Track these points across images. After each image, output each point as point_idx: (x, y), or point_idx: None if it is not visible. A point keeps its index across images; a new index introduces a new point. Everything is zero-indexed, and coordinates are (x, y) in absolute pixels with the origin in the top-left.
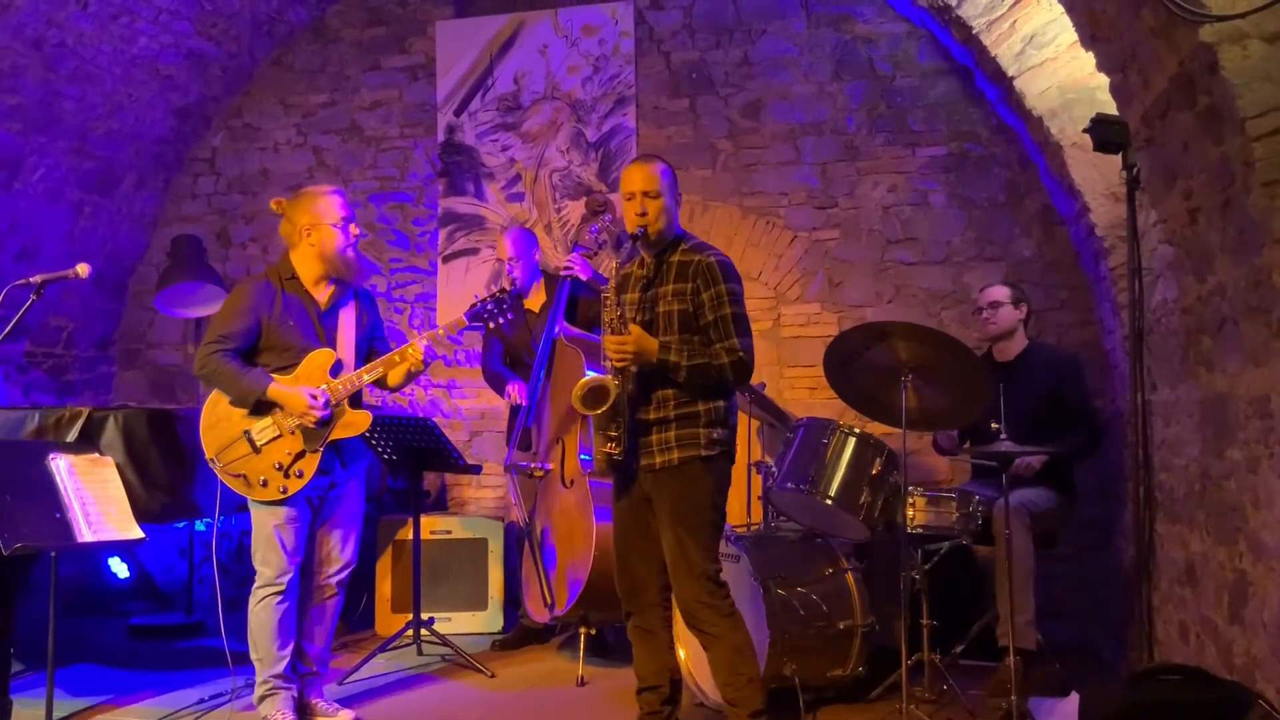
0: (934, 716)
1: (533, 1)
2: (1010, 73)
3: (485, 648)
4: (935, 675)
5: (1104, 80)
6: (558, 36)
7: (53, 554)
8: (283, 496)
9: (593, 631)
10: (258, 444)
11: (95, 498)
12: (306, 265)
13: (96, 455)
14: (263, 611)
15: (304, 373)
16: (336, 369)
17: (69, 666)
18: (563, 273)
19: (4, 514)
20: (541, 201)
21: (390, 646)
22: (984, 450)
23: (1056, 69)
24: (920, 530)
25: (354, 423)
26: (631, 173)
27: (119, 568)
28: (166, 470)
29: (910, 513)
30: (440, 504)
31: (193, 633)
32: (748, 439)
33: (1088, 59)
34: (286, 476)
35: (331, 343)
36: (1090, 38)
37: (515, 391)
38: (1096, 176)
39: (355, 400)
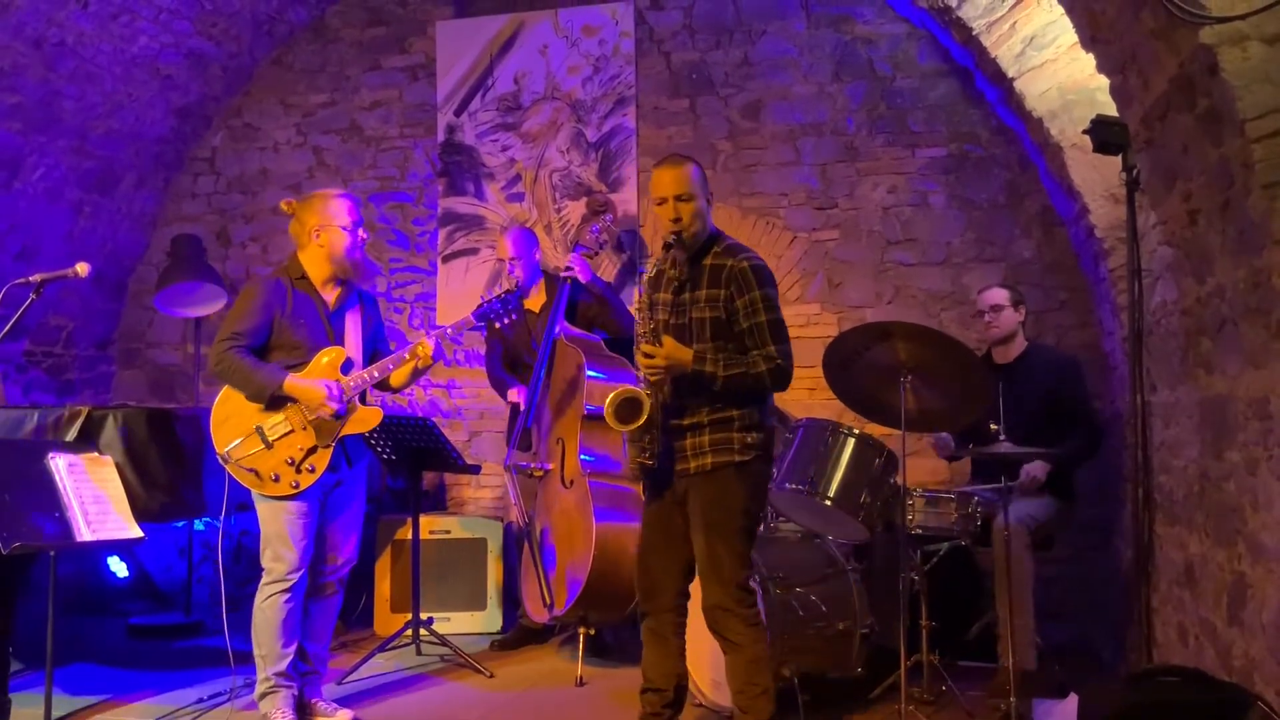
0: (933, 717)
1: (533, 2)
2: (1010, 74)
3: (484, 648)
4: (934, 676)
5: (1104, 82)
6: (558, 37)
7: (52, 553)
8: (294, 491)
9: (592, 632)
10: (270, 439)
11: (94, 497)
12: (315, 266)
13: (96, 454)
14: (270, 608)
15: (315, 370)
16: (347, 367)
17: (68, 665)
18: (563, 273)
19: (3, 513)
20: (541, 202)
21: (389, 646)
22: (985, 451)
23: (1056, 70)
24: (920, 531)
25: (365, 418)
26: (661, 176)
27: (118, 567)
28: (166, 470)
29: (909, 514)
30: (439, 504)
31: (191, 632)
32: None
33: (1088, 60)
34: (298, 472)
35: (340, 342)
36: (1090, 39)
37: (516, 394)
38: (1096, 178)
39: (362, 398)
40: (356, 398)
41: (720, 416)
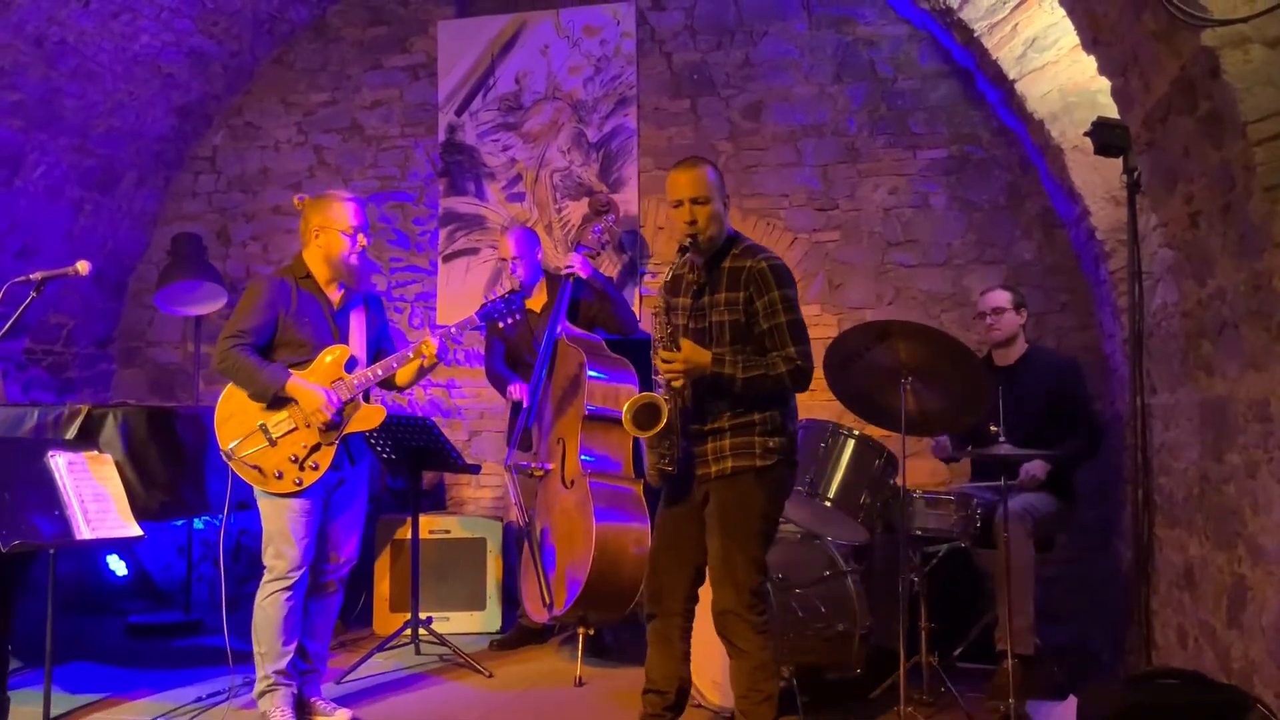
0: (932, 719)
1: (534, 2)
2: (1011, 76)
3: (483, 647)
4: (934, 678)
5: (1105, 84)
6: (559, 37)
7: (51, 551)
8: (297, 489)
9: (591, 632)
10: (273, 436)
11: (94, 495)
12: (316, 265)
13: (96, 453)
14: (271, 607)
15: (319, 368)
16: (351, 365)
17: (67, 664)
18: (564, 273)
19: (3, 511)
20: (542, 202)
21: (388, 646)
22: (985, 452)
23: (1058, 72)
24: (919, 532)
25: (369, 416)
26: (677, 178)
27: (117, 565)
28: (165, 468)
29: (909, 515)
30: (439, 503)
31: (190, 631)
32: None
33: (1089, 62)
34: (301, 469)
35: (344, 340)
36: (1092, 41)
37: (517, 389)
38: (1097, 180)
39: (365, 396)
40: (360, 395)
41: (741, 421)
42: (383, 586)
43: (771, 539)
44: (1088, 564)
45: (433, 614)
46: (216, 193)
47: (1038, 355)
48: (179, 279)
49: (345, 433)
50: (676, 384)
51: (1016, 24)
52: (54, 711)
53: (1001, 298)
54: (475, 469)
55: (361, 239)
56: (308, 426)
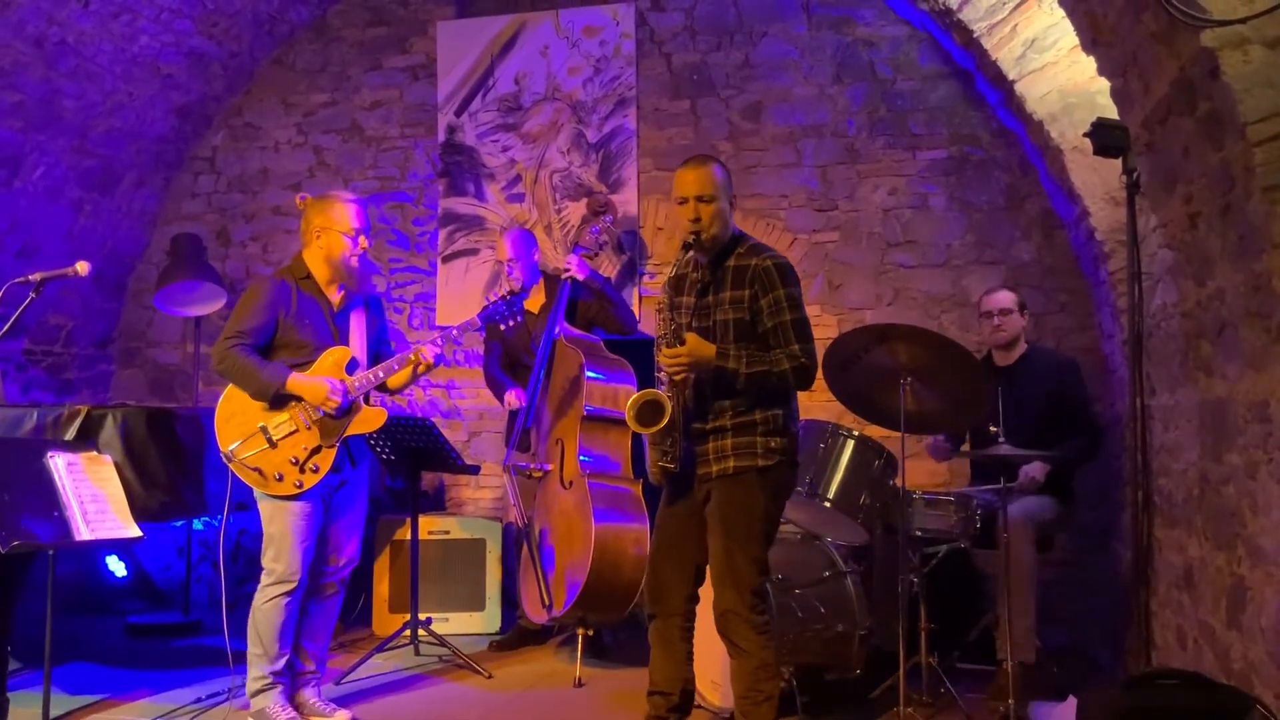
0: (932, 719)
1: (534, 2)
2: (1011, 76)
3: (483, 648)
4: (933, 679)
5: (1105, 85)
6: (559, 37)
7: (50, 552)
8: (298, 491)
9: (590, 632)
10: (274, 438)
11: (93, 496)
12: (317, 266)
13: (95, 453)
14: (271, 609)
15: (321, 370)
16: (352, 366)
17: (66, 665)
18: (562, 274)
19: (2, 512)
20: (542, 202)
21: (388, 647)
22: (985, 453)
23: (1057, 73)
24: (919, 533)
25: (370, 419)
26: (684, 176)
27: (116, 566)
28: (165, 469)
29: (909, 516)
30: (439, 504)
31: (190, 631)
32: None
33: (1088, 63)
34: (302, 471)
35: (344, 342)
36: (1091, 42)
37: (513, 397)
38: (1097, 181)
39: (365, 399)
40: (361, 398)
41: (743, 420)
42: (382, 587)
43: (772, 539)
44: (1087, 565)
45: (432, 615)
46: (216, 193)
47: (1037, 356)
48: (178, 279)
49: (346, 435)
50: (680, 379)
51: (1016, 25)
52: (53, 712)
53: (1008, 299)
54: (475, 470)
55: (363, 241)
56: (309, 428)
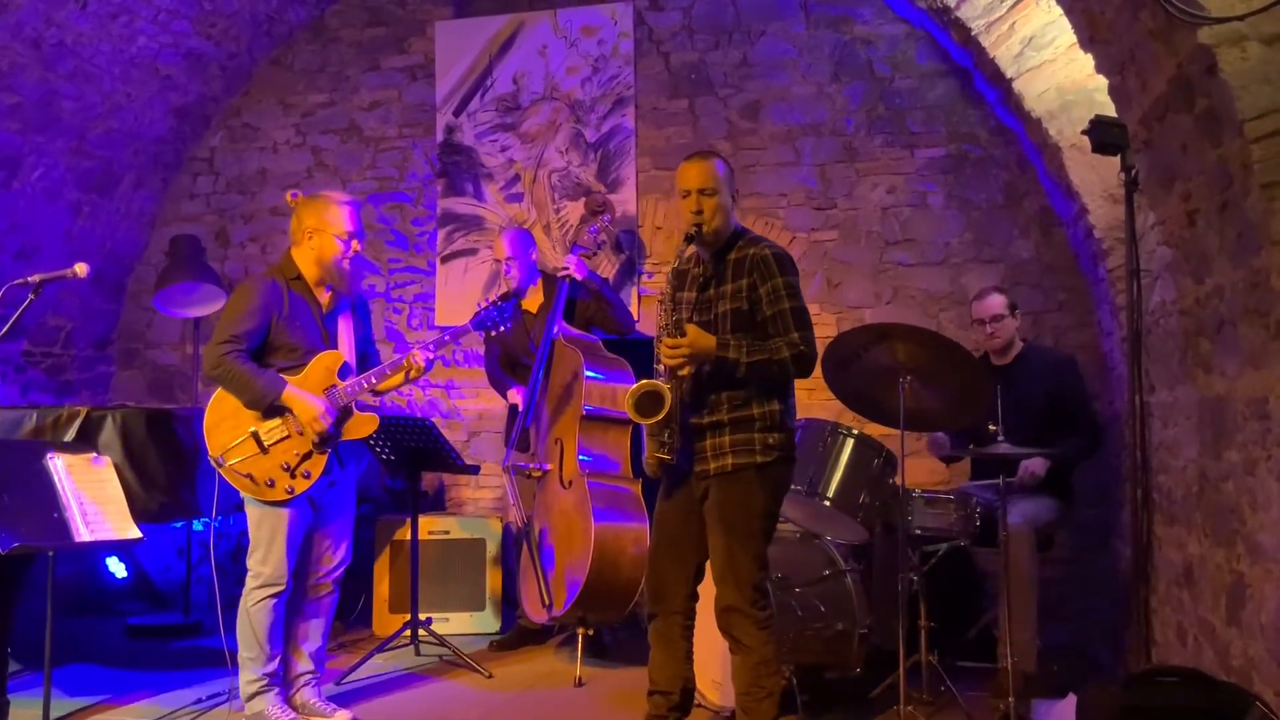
0: (932, 718)
1: (532, 2)
2: (1009, 74)
3: (483, 648)
4: (933, 677)
5: (1103, 82)
6: (557, 37)
7: (50, 554)
8: (289, 497)
9: (590, 632)
10: (265, 444)
11: (93, 497)
12: (307, 266)
13: (94, 455)
14: (259, 613)
15: (314, 373)
16: (345, 371)
17: (66, 666)
18: (561, 274)
19: (2, 514)
20: (540, 202)
21: (388, 646)
22: (984, 451)
23: (1055, 71)
24: (919, 532)
25: (360, 425)
26: (687, 169)
27: (116, 567)
28: (164, 470)
29: (909, 514)
30: (439, 504)
31: (190, 633)
32: None
33: (1086, 61)
34: (293, 477)
35: (334, 345)
36: (1089, 40)
37: (516, 394)
38: (1095, 178)
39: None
40: (353, 404)
41: (741, 416)
42: (382, 587)
43: (771, 535)
44: (1087, 563)
45: (432, 615)
46: (215, 194)
47: (1034, 354)
48: (177, 280)
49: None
50: (682, 372)
51: (1014, 22)
52: (53, 714)
53: (998, 303)
54: (474, 470)
55: (355, 244)
56: (300, 434)
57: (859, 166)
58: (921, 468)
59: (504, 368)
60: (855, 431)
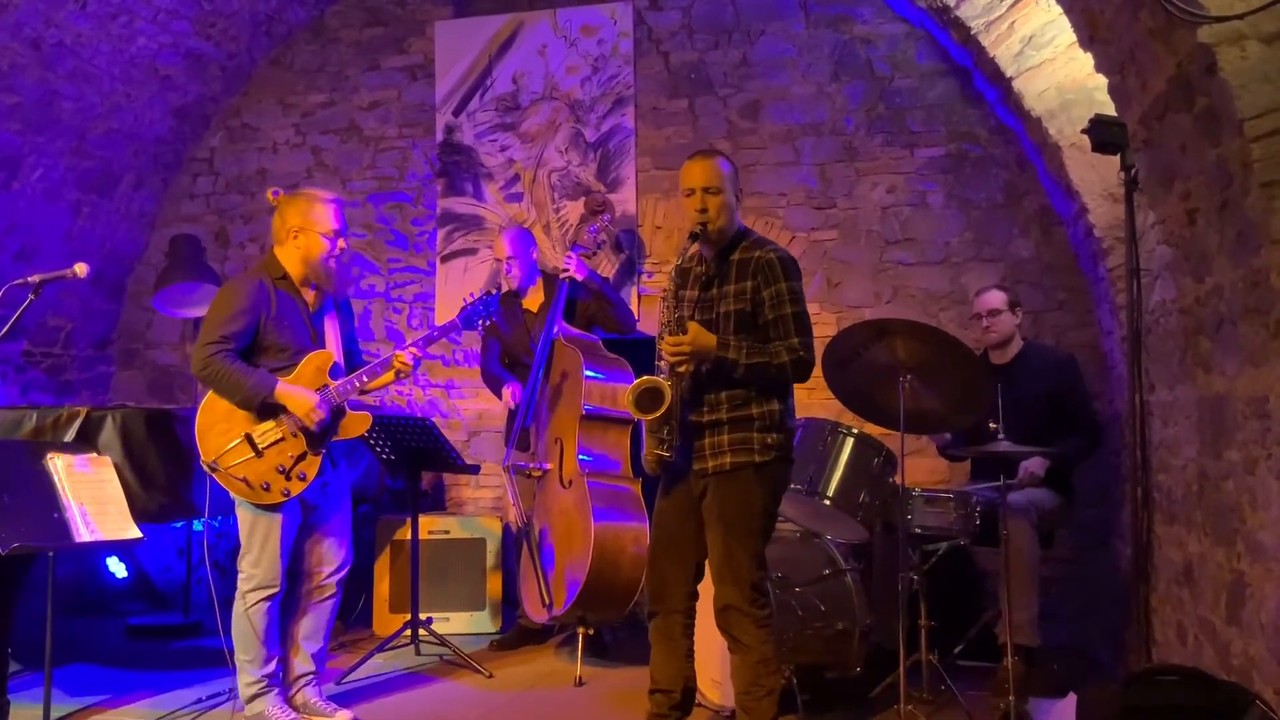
0: (932, 717)
1: (532, 2)
2: (1009, 73)
3: (483, 648)
4: (934, 676)
5: (1102, 81)
6: (556, 37)
7: (50, 554)
8: (285, 499)
9: (591, 632)
10: (260, 447)
11: (93, 498)
12: (292, 265)
13: (94, 455)
14: (254, 615)
15: (305, 373)
16: (336, 371)
17: (66, 666)
18: (560, 273)
19: (2, 514)
20: (540, 202)
21: (388, 646)
22: (985, 449)
23: (1055, 70)
24: (919, 531)
25: (353, 424)
26: (691, 168)
27: (117, 568)
28: (164, 470)
29: (909, 513)
30: (438, 504)
31: (190, 633)
32: None
33: (1086, 60)
34: (288, 479)
35: (322, 344)
36: (1089, 39)
37: (510, 393)
38: (1095, 177)
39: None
40: (345, 404)
41: (739, 415)
42: (382, 587)
43: (770, 534)
44: (1087, 562)
45: (432, 614)
46: (214, 194)
47: (1034, 352)
48: (177, 281)
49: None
50: (682, 369)
51: (1014, 22)
52: (54, 715)
53: (997, 298)
54: (474, 469)
55: (341, 242)
56: (295, 436)
57: (859, 166)
58: (921, 467)
59: (504, 367)
60: (855, 430)
